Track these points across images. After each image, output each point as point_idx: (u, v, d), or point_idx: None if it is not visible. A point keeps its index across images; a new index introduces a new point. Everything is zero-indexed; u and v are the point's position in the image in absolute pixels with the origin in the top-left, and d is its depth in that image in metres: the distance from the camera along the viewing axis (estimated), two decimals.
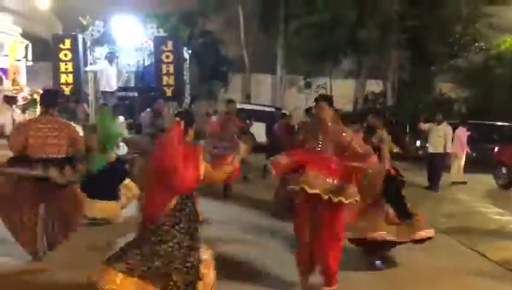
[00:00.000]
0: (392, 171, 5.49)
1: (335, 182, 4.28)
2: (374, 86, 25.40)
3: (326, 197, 4.20)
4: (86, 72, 11.21)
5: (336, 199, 4.20)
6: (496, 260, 5.81)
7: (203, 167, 3.77)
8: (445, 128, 10.97)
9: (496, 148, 12.27)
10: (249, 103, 20.54)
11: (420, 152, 16.56)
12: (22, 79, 9.64)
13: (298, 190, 4.32)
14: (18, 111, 8.24)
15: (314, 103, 4.61)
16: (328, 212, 4.31)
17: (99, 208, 6.31)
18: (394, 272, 5.29)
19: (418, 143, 17.26)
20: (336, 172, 4.32)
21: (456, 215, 8.41)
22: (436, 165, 10.92)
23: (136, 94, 11.93)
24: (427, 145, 11.60)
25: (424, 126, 11.52)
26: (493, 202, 9.76)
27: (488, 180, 11.90)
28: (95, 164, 6.26)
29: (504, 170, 11.55)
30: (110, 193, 6.55)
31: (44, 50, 12.03)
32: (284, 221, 6.36)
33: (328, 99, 4.61)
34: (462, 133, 12.04)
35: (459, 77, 23.95)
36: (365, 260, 5.43)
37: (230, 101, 8.92)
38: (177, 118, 3.80)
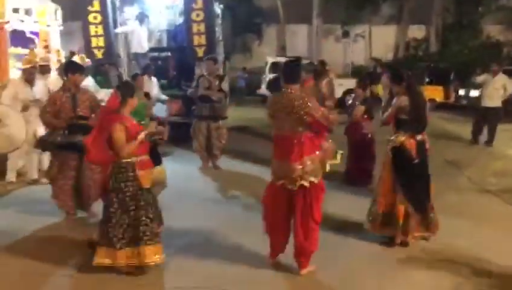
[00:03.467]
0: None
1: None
2: (416, 31, 24.22)
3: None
4: (116, 34, 10.98)
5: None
6: None
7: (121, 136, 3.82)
8: (502, 79, 10.01)
9: None
10: (285, 56, 19.92)
11: (464, 101, 15.81)
12: (56, 44, 9.38)
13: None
14: (55, 78, 7.95)
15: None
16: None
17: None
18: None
19: (461, 92, 16.44)
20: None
21: (508, 174, 7.84)
22: (492, 119, 10.06)
23: (169, 54, 11.66)
24: (470, 95, 10.77)
25: (479, 78, 10.64)
26: None
27: None
28: None
29: None
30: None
31: (76, 9, 11.78)
32: None
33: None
34: None
35: (509, 18, 22.45)
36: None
37: None
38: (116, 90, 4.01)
